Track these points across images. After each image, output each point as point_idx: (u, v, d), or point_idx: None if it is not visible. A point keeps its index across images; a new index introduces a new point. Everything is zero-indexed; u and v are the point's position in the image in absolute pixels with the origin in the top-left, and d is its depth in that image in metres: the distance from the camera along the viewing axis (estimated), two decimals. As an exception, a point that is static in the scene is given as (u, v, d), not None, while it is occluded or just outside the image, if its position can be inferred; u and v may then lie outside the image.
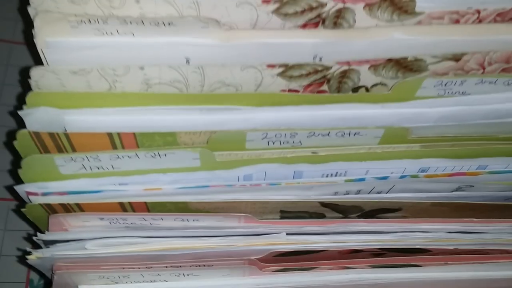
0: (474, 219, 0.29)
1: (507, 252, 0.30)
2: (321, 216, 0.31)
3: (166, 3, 0.23)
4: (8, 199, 0.37)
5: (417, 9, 0.24)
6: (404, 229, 0.28)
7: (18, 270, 0.36)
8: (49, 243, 0.27)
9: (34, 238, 0.27)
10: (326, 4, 0.24)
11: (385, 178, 0.28)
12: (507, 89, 0.27)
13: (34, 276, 0.36)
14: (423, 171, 0.28)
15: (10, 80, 0.40)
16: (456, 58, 0.26)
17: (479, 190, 0.30)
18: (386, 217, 0.31)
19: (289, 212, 0.30)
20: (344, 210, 0.31)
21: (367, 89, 0.28)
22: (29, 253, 0.26)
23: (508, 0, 0.25)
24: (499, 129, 0.28)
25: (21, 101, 0.24)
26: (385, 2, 0.24)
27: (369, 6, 0.24)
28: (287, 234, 0.27)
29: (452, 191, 0.30)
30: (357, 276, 0.29)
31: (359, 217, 0.31)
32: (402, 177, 0.28)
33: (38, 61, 0.24)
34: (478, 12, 0.25)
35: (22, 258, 0.35)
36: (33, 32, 0.22)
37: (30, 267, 0.32)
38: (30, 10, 0.23)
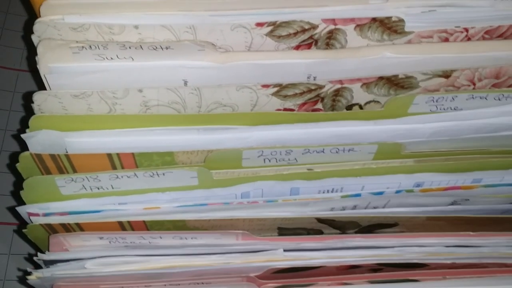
0: (471, 233, 0.29)
1: (505, 265, 0.30)
2: (319, 232, 0.31)
3: (164, 28, 0.24)
4: (13, 223, 0.37)
5: (407, 29, 0.25)
6: (402, 244, 0.28)
7: (20, 292, 0.35)
8: (49, 263, 0.27)
9: (35, 258, 0.27)
10: (318, 26, 0.24)
11: (380, 193, 0.28)
12: (498, 104, 0.27)
13: (36, 297, 0.36)
14: (418, 185, 0.29)
15: (16, 107, 0.40)
16: (446, 74, 0.27)
17: (474, 204, 0.31)
18: (383, 232, 0.31)
19: (287, 229, 0.30)
20: (341, 226, 0.31)
21: (361, 107, 0.28)
22: (29, 273, 0.27)
23: (495, 18, 0.25)
24: (492, 142, 0.29)
25: (24, 125, 0.25)
26: (375, 23, 0.25)
27: (359, 27, 0.25)
28: (284, 250, 0.27)
29: (448, 205, 0.30)
30: (356, 292, 0.29)
31: (356, 232, 0.32)
32: (397, 191, 0.29)
33: (42, 87, 0.24)
34: (466, 30, 0.25)
35: (23, 279, 0.35)
36: (36, 58, 0.23)
37: (32, 288, 0.32)
38: (34, 38, 0.23)
